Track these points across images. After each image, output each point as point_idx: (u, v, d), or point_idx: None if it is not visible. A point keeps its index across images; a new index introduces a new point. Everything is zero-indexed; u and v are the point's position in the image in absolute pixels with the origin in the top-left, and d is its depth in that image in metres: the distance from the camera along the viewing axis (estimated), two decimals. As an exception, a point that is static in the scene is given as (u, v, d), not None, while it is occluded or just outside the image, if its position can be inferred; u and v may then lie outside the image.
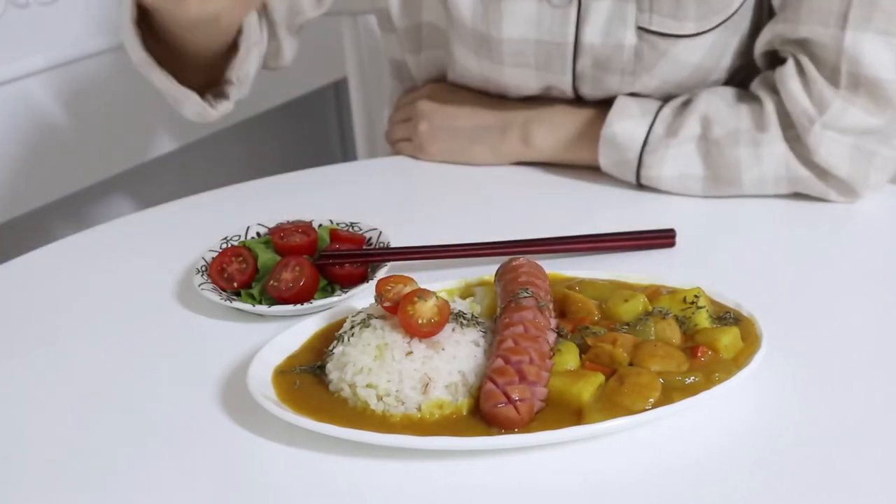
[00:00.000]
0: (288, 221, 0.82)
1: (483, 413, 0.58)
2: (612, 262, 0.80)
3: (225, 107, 0.96)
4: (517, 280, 0.66)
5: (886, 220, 0.88)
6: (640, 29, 0.90)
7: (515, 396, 0.57)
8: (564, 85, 0.97)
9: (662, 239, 0.82)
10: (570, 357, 0.61)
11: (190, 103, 0.93)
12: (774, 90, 0.89)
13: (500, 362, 0.59)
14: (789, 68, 0.88)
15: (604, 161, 0.94)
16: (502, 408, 0.57)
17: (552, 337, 0.62)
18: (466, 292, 0.72)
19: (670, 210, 0.90)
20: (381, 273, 0.75)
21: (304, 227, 0.79)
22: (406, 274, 0.66)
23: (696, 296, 0.66)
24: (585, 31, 0.92)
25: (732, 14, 0.90)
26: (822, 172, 0.88)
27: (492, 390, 0.58)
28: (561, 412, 0.58)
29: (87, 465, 0.59)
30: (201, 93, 0.93)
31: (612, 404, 0.58)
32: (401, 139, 1.08)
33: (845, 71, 0.85)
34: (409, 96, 1.10)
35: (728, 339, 0.62)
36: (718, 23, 0.90)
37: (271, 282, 0.73)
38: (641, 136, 0.91)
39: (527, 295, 0.64)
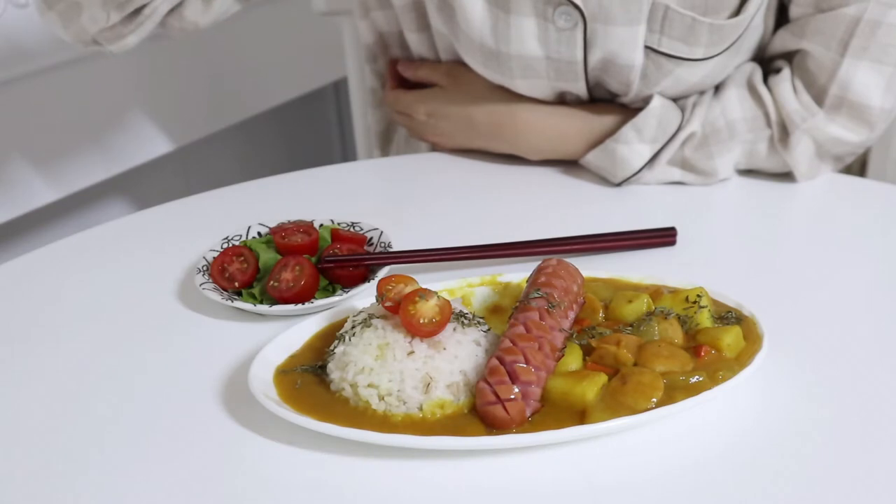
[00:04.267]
0: (289, 221, 0.82)
1: (477, 411, 0.59)
2: (613, 261, 0.80)
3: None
4: (536, 282, 0.66)
5: (889, 220, 0.89)
6: (648, 48, 0.91)
7: (505, 396, 0.57)
8: (580, 91, 0.96)
9: (663, 237, 0.82)
10: (573, 358, 0.61)
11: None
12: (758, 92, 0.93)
13: (494, 362, 0.59)
14: (785, 76, 0.92)
15: (590, 158, 0.95)
16: (491, 407, 0.57)
17: (560, 337, 0.62)
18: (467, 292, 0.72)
19: (669, 209, 0.90)
20: (382, 273, 0.75)
21: (306, 227, 0.79)
22: (407, 274, 0.66)
23: (698, 295, 0.66)
24: (593, 52, 0.91)
25: (736, 39, 0.92)
26: (783, 166, 0.94)
27: (483, 389, 0.58)
28: (565, 413, 0.58)
29: (87, 464, 0.59)
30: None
31: (616, 404, 0.58)
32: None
33: (832, 93, 0.91)
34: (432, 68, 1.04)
35: (730, 338, 0.62)
36: (725, 48, 0.92)
37: (271, 282, 0.73)
38: (642, 162, 0.92)
39: (537, 296, 0.64)
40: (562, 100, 0.99)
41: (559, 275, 0.67)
